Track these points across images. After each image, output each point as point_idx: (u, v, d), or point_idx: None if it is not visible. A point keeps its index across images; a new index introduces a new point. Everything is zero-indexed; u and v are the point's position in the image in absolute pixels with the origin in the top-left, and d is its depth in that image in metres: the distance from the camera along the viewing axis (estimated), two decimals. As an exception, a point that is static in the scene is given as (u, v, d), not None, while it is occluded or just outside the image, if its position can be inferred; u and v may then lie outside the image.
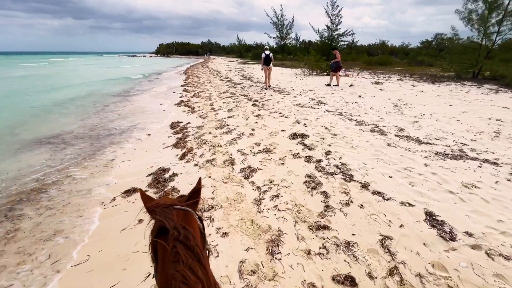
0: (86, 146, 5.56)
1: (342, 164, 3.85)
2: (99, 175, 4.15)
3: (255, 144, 4.83)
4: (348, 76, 15.47)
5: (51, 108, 9.39)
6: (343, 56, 33.37)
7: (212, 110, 7.92)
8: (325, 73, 16.07)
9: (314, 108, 7.54)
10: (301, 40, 46.06)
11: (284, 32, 45.20)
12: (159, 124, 7.11)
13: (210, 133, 5.71)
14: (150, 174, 3.96)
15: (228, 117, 6.89)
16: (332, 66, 11.78)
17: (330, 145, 4.58)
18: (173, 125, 6.71)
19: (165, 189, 3.46)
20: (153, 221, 0.74)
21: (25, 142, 5.75)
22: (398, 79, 13.94)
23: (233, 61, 39.85)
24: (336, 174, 3.56)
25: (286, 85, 12.39)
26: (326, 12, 26.77)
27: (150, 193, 3.38)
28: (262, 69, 11.48)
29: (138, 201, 3.16)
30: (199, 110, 8.12)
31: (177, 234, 0.66)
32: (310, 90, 10.66)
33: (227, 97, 9.69)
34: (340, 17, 36.13)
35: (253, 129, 5.69)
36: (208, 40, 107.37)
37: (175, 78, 20.22)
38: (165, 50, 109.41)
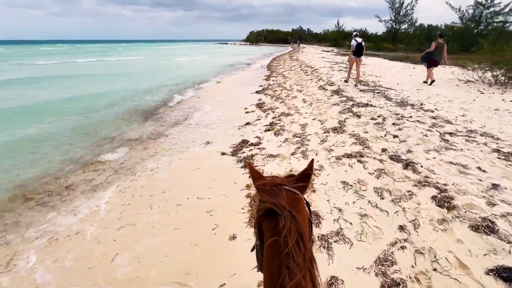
0: None
1: None
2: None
3: None
4: None
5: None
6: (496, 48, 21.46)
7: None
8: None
9: None
10: (417, 24, 33.95)
11: (401, 14, 34.28)
12: None
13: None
14: None
15: None
16: (423, 58, 8.71)
17: None
18: None
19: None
20: (261, 198, 0.71)
21: None
22: None
23: (328, 51, 32.49)
24: None
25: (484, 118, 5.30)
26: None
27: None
28: (348, 60, 9.30)
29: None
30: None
31: (285, 223, 0.61)
32: None
33: (347, 160, 3.80)
34: (505, -15, 23.76)
35: None
36: (300, 27, 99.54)
37: (252, 75, 15.29)
38: (254, 38, 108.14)
